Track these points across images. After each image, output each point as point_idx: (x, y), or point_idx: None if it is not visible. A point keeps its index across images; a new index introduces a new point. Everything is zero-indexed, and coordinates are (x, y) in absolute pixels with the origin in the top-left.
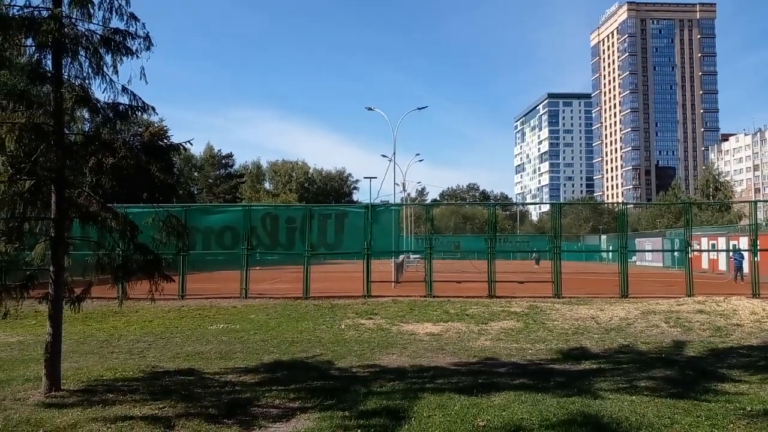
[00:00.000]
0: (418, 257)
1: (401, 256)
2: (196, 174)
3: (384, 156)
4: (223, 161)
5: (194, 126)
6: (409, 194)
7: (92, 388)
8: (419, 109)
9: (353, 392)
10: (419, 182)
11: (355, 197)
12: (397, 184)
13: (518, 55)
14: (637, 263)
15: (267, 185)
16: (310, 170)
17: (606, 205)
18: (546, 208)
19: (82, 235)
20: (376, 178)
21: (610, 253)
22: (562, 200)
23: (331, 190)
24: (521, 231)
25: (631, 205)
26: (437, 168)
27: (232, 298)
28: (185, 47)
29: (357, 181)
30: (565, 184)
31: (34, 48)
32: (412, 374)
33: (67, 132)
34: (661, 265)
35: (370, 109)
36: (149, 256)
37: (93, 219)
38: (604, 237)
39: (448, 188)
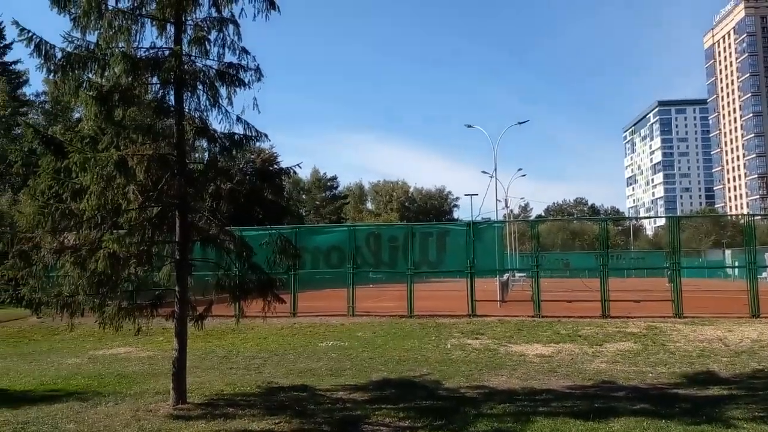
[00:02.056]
0: (524, 275)
1: (506, 275)
2: (303, 196)
3: (485, 172)
4: (328, 183)
5: (301, 151)
6: (512, 210)
7: (214, 401)
8: (520, 123)
9: (463, 413)
10: (522, 198)
11: (455, 215)
12: (499, 201)
13: (623, 63)
14: None
15: (369, 205)
16: (411, 189)
17: (729, 217)
18: (662, 222)
19: (203, 256)
20: (477, 195)
21: (737, 269)
22: (679, 213)
23: (431, 209)
24: (635, 247)
25: (759, 217)
26: (541, 183)
27: (339, 315)
28: (291, 76)
29: (457, 198)
30: (681, 196)
31: (158, 85)
32: (523, 397)
33: (188, 161)
34: None
35: (469, 126)
36: (263, 276)
37: (212, 241)
38: (728, 252)
39: (554, 203)
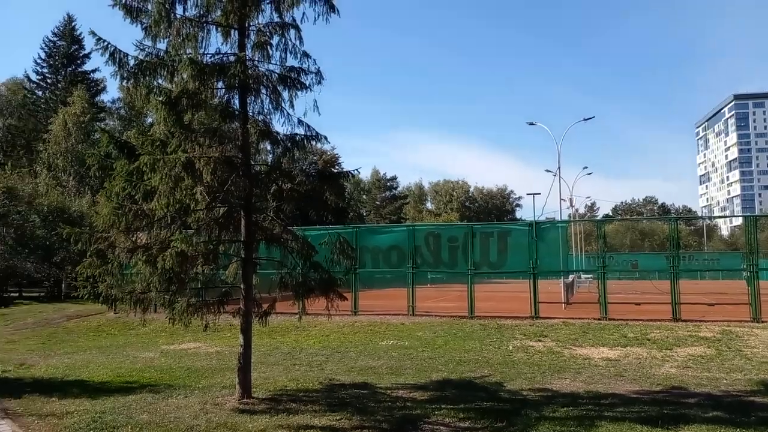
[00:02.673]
0: (590, 277)
1: (571, 276)
2: (364, 197)
3: (548, 171)
4: (388, 184)
5: (361, 151)
6: (577, 210)
7: (278, 397)
8: (585, 119)
9: (524, 416)
10: (588, 197)
11: (517, 215)
12: (564, 200)
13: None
14: None
15: (429, 205)
16: (471, 189)
17: None
18: (738, 221)
19: (267, 255)
20: (540, 194)
21: None
22: (757, 212)
23: (492, 208)
24: (710, 248)
25: None
26: (608, 181)
27: (399, 315)
28: (351, 78)
29: (519, 198)
30: (760, 194)
31: (223, 89)
32: (587, 401)
33: (252, 163)
34: None
35: (531, 123)
36: (324, 274)
37: (276, 241)
38: None
39: (622, 202)
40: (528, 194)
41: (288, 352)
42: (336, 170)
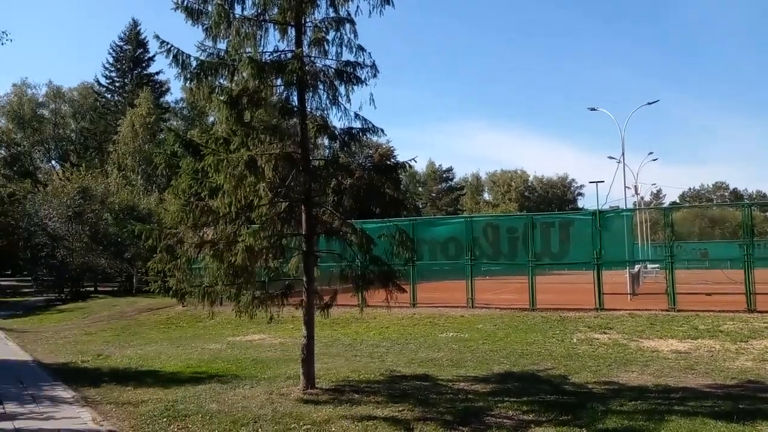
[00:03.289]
0: (657, 267)
1: (637, 266)
2: (420, 189)
3: (611, 158)
4: (444, 175)
5: (416, 143)
6: (642, 198)
7: (341, 387)
8: (649, 104)
9: (590, 409)
10: (654, 184)
11: (579, 204)
12: (628, 188)
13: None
14: None
15: (486, 196)
16: (530, 178)
17: None
18: None
19: (327, 248)
20: (603, 182)
21: None
22: None
23: (553, 198)
24: None
25: None
26: (675, 167)
27: (459, 307)
28: (403, 69)
29: (581, 186)
30: None
31: (282, 87)
32: (656, 394)
33: (311, 158)
34: None
35: (593, 109)
36: (384, 267)
37: (335, 234)
38: None
39: (690, 189)
40: (590, 182)
41: (349, 344)
42: (390, 162)
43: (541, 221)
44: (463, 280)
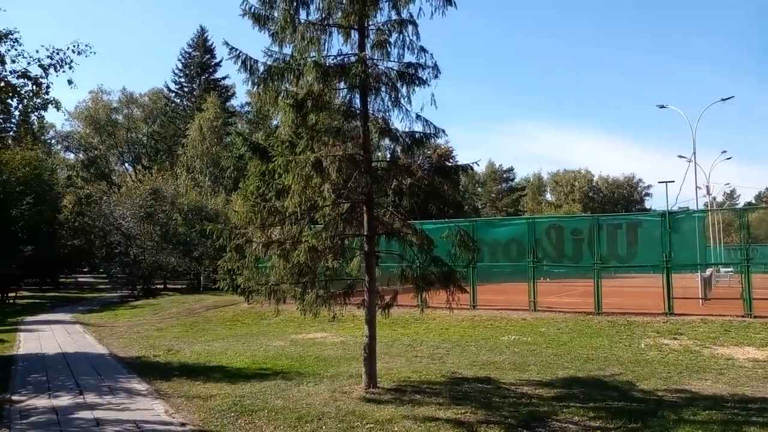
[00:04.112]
0: (731, 271)
1: (709, 270)
2: (479, 189)
3: (681, 157)
4: (504, 175)
5: (475, 143)
6: (714, 198)
7: (402, 387)
8: (723, 100)
9: (661, 417)
10: (727, 184)
11: (647, 204)
12: (700, 188)
13: None
14: None
15: (548, 196)
16: (595, 178)
17: None
18: None
19: (387, 249)
20: (673, 182)
21: None
22: None
23: (619, 198)
24: None
25: None
26: (750, 166)
27: (520, 310)
28: (462, 68)
29: (649, 186)
30: None
31: (345, 90)
32: (732, 404)
33: (372, 160)
34: None
35: (662, 106)
36: (444, 268)
37: (396, 235)
38: None
39: (767, 188)
40: (659, 182)
41: (409, 344)
42: (451, 164)
43: (607, 222)
44: (524, 283)
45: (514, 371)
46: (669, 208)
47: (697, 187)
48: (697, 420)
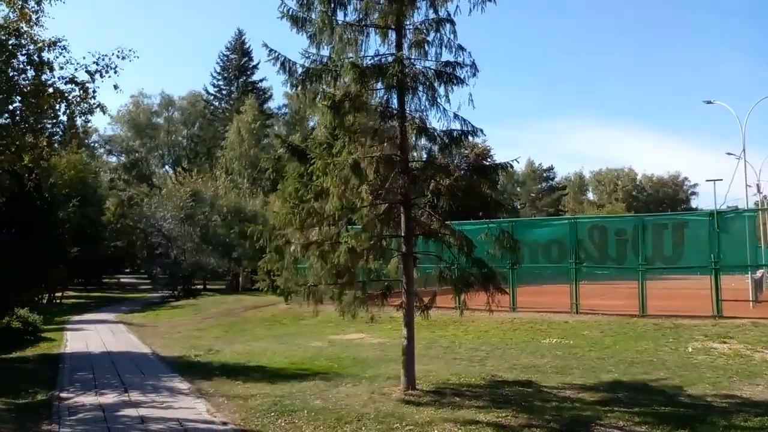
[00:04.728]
0: None
1: (760, 271)
2: (518, 189)
3: (730, 154)
4: (544, 174)
5: (514, 141)
6: (765, 197)
7: (441, 390)
8: None
9: (710, 424)
10: None
11: (693, 204)
12: (750, 186)
13: None
14: None
15: (590, 196)
16: (638, 177)
17: None
18: None
19: (425, 250)
20: (721, 180)
21: None
22: None
23: (664, 198)
24: None
25: None
26: None
27: (562, 312)
28: (500, 65)
29: (695, 185)
30: None
31: (382, 90)
32: None
33: (409, 160)
34: None
35: (709, 102)
36: (484, 269)
37: (434, 235)
38: None
39: None
40: (707, 181)
41: (447, 346)
42: (489, 163)
43: (652, 222)
44: (565, 284)
45: (556, 375)
46: (717, 208)
47: (747, 185)
48: (749, 426)
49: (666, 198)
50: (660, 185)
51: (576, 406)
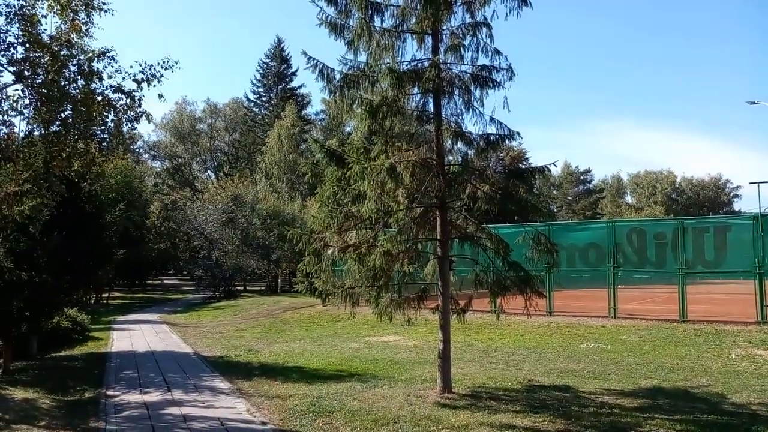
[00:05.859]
0: None
1: None
2: (554, 192)
3: None
4: (581, 177)
5: (549, 144)
6: None
7: (477, 393)
8: None
9: None
10: None
11: (735, 207)
12: None
13: None
14: None
15: (628, 199)
16: (678, 179)
17: None
18: None
19: (460, 253)
20: (765, 182)
21: None
22: None
23: (704, 200)
24: None
25: None
26: None
27: (599, 317)
28: (536, 66)
29: (738, 188)
30: None
31: (418, 94)
32: None
33: (445, 164)
34: None
35: (753, 103)
36: (521, 272)
37: (470, 239)
38: None
39: None
40: (750, 183)
41: (483, 350)
42: (525, 166)
43: (693, 226)
44: (603, 289)
45: (593, 380)
46: (761, 211)
47: None
48: None
49: (707, 201)
50: (700, 188)
51: (614, 412)
